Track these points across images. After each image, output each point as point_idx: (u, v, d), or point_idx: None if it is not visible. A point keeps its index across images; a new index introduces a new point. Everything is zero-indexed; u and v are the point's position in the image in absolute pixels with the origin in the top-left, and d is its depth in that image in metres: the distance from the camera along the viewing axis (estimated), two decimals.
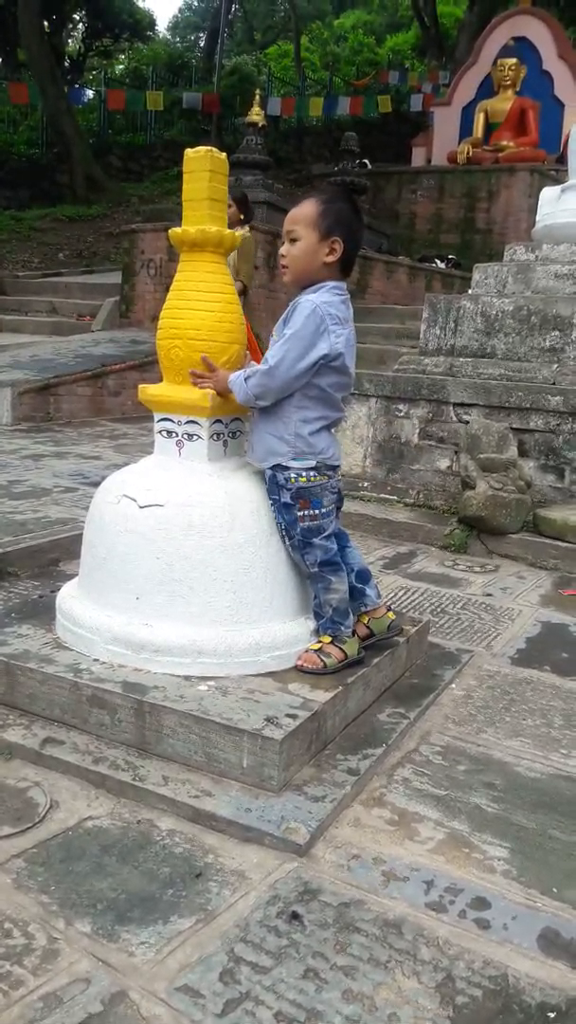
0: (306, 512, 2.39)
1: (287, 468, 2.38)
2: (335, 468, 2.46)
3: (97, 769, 2.09)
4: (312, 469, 2.39)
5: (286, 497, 2.39)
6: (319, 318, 2.28)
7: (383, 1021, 1.43)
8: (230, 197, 7.14)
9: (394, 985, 1.51)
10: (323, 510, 2.41)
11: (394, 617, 2.60)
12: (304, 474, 2.38)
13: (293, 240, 2.36)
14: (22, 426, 7.45)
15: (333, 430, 2.47)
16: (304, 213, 2.34)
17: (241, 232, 7.01)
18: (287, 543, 2.44)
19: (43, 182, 19.42)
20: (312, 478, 2.39)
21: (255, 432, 2.47)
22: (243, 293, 7.28)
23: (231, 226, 7.12)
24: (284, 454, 2.38)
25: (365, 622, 2.54)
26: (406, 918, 1.68)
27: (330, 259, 2.34)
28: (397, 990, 1.50)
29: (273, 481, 2.42)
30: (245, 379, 2.35)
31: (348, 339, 2.35)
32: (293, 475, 2.38)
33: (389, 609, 2.61)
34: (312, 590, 2.47)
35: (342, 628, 2.43)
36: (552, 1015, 1.47)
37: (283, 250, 2.40)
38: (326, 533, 2.41)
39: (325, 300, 2.31)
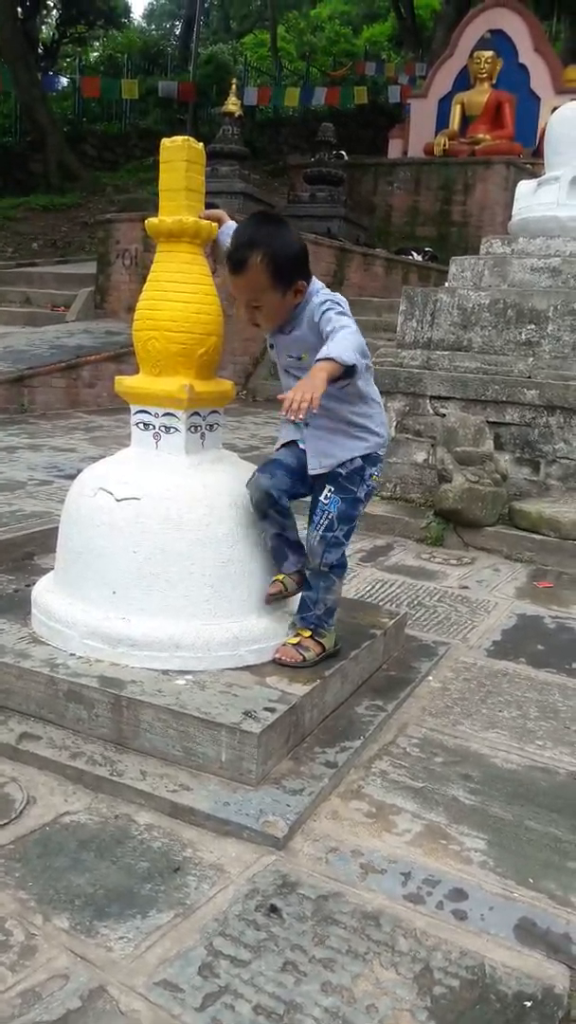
0: (364, 511, 2.41)
1: (377, 460, 2.37)
2: None
3: (74, 764, 2.08)
4: (377, 468, 2.40)
5: (361, 492, 2.36)
6: (346, 309, 2.21)
7: (362, 1012, 1.44)
8: None
9: (372, 976, 1.52)
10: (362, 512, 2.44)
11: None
12: (376, 473, 2.40)
13: (256, 307, 2.25)
14: None
15: None
16: (254, 281, 2.19)
17: None
18: (317, 535, 2.35)
19: (16, 171, 19.18)
20: (378, 479, 2.41)
21: (323, 434, 2.34)
22: None
23: None
24: (379, 445, 2.37)
25: (281, 579, 2.45)
26: (384, 910, 1.69)
27: (298, 299, 2.24)
28: (375, 981, 1.51)
29: (358, 473, 2.34)
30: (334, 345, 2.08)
31: None
32: (376, 472, 2.37)
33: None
34: (311, 586, 2.43)
35: (325, 625, 2.44)
36: (528, 1004, 1.48)
37: (246, 316, 2.27)
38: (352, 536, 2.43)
39: (333, 299, 2.22)
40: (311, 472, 2.38)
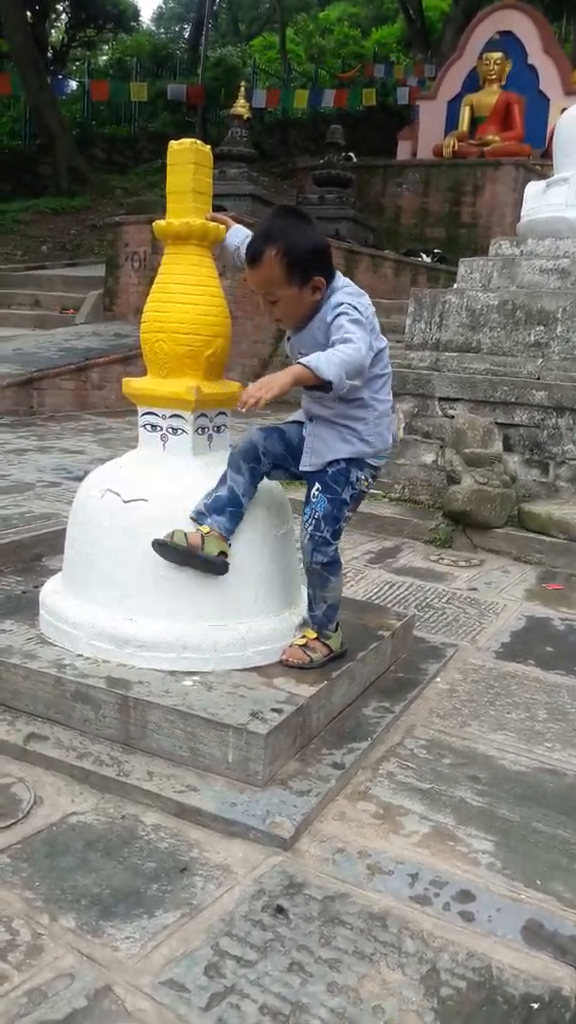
0: (350, 514, 2.39)
1: (364, 467, 2.34)
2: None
3: (81, 764, 2.09)
4: (373, 474, 2.38)
5: (347, 494, 2.32)
6: (365, 315, 2.17)
7: (368, 1013, 1.44)
8: None
9: (379, 977, 1.52)
10: (351, 515, 2.42)
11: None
12: (368, 479, 2.37)
13: (273, 302, 2.22)
14: (5, 420, 7.41)
15: None
16: (268, 275, 2.16)
17: None
18: (306, 534, 2.34)
19: (26, 174, 19.26)
20: (367, 484, 2.39)
21: (320, 432, 2.33)
22: None
23: None
24: (365, 453, 2.32)
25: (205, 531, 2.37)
26: (391, 911, 1.69)
27: (317, 295, 2.21)
28: (382, 982, 1.51)
29: (343, 475, 2.31)
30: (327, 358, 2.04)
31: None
32: (364, 476, 2.34)
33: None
34: (308, 586, 2.45)
35: (330, 624, 2.44)
36: (535, 1006, 1.48)
37: (267, 311, 2.28)
38: (341, 536, 2.41)
39: (352, 301, 2.18)
40: (302, 468, 2.38)
